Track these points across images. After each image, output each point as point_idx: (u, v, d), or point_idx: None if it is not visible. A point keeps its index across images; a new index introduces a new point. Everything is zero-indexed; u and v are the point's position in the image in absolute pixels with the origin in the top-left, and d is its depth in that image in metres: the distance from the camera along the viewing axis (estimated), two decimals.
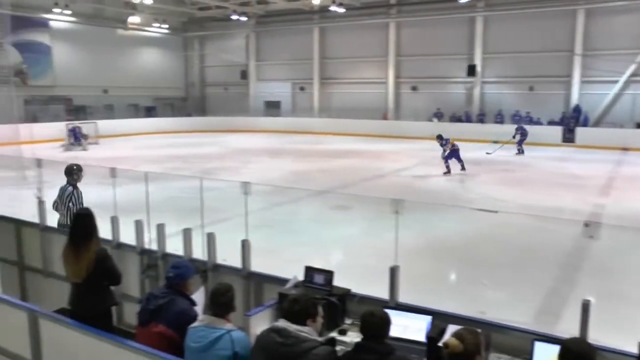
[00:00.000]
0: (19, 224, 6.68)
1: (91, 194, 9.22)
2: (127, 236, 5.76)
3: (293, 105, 37.35)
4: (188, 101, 41.10)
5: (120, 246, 5.81)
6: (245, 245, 4.87)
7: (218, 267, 5.08)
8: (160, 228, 5.39)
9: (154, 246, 5.52)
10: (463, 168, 17.87)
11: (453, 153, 17.88)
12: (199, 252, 5.16)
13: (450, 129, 29.30)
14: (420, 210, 10.61)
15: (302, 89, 36.94)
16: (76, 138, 25.76)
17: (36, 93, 31.45)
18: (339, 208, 12.49)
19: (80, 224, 4.65)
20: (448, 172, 17.60)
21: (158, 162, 19.69)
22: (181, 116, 38.17)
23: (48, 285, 6.36)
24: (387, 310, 3.31)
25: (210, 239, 5.05)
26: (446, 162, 17.84)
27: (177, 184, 13.54)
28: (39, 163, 6.66)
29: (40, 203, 6.48)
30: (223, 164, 19.60)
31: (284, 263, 5.50)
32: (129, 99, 36.20)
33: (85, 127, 26.74)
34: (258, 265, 4.92)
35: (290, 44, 36.74)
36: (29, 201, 7.13)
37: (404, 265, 4.22)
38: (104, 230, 5.23)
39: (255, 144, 27.10)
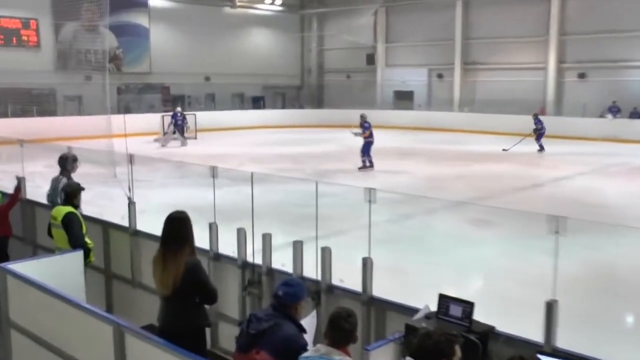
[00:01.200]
0: (106, 226, 7.02)
1: (188, 196, 10.24)
2: (228, 246, 5.83)
3: (428, 96, 37.12)
4: (303, 91, 42.14)
5: (219, 258, 5.93)
6: (367, 264, 4.85)
7: (333, 289, 5.10)
8: (267, 238, 5.45)
9: (257, 259, 5.59)
10: (365, 166, 19.01)
11: (366, 145, 19.19)
12: (311, 270, 5.18)
13: (629, 129, 27.87)
14: (586, 231, 10.06)
15: (439, 76, 36.63)
16: (177, 124, 26.79)
17: (130, 81, 33.65)
18: (481, 223, 12.29)
19: (171, 228, 4.76)
20: (363, 166, 18.95)
21: (265, 162, 20.22)
22: (294, 108, 39.25)
23: (136, 298, 6.61)
24: (541, 357, 3.23)
25: (325, 254, 5.07)
26: (363, 154, 19.10)
27: (286, 188, 14.00)
28: (130, 159, 6.88)
29: (131, 204, 6.78)
30: (341, 165, 19.74)
31: (413, 288, 5.48)
32: (233, 88, 37.69)
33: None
34: (381, 288, 4.89)
35: (426, 22, 36.48)
36: (119, 201, 7.46)
37: (562, 299, 4.07)
38: (201, 239, 5.29)
39: (381, 143, 26.15)
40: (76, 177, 7.34)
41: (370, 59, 39.08)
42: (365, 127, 19.37)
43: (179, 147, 25.86)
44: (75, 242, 6.22)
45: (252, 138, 28.94)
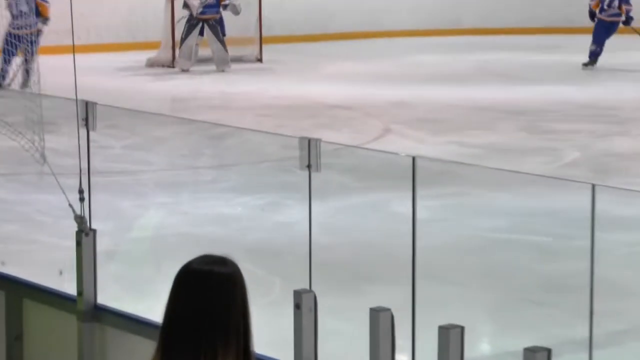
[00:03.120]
0: (17, 294, 6.11)
1: (236, 216, 9.98)
2: (346, 355, 5.56)
3: None
4: None
5: None
6: None
7: None
8: (452, 337, 4.47)
9: None
10: None
11: None
12: None
13: None
14: None
15: None
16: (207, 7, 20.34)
17: None
18: None
19: (191, 305, 3.54)
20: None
21: (450, 128, 16.95)
22: None
23: None
24: None
25: None
26: None
27: (505, 200, 11.64)
28: (85, 110, 5.46)
29: (84, 235, 5.59)
30: None
31: None
32: None
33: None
34: None
35: None
36: (50, 226, 7.15)
37: None
38: (273, 334, 4.79)
39: None
40: None
41: None
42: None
43: (219, 70, 20.95)
44: None
45: (411, 60, 24.44)
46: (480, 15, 29.73)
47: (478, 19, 29.50)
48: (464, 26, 29.00)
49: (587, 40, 24.99)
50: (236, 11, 21.04)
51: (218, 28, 20.71)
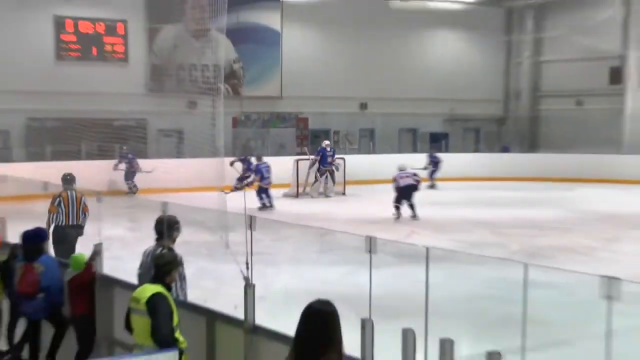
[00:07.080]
0: (212, 319, 7.04)
1: (330, 279, 11.24)
2: (388, 355, 5.77)
3: None
4: (507, 125, 42.11)
5: None
6: None
7: None
8: (446, 347, 5.34)
9: None
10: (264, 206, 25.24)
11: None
12: None
13: None
14: None
15: None
16: (325, 164, 29.52)
17: (252, 109, 34.67)
18: None
19: (311, 327, 4.82)
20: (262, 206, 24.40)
21: (448, 231, 20.14)
22: (493, 151, 39.12)
23: None
24: None
25: None
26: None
27: (479, 273, 13.63)
28: (250, 222, 6.85)
29: (248, 288, 6.75)
30: (565, 240, 19.42)
31: None
32: (401, 121, 38.15)
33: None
34: None
35: None
36: (230, 282, 7.57)
37: None
38: (348, 343, 5.22)
39: (633, 207, 26.37)
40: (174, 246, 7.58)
41: (616, 76, 38.26)
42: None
43: (327, 195, 28.17)
44: (160, 337, 6.24)
45: (429, 195, 28.35)
46: (464, 166, 36.48)
47: (465, 169, 37.71)
48: (457, 175, 37.17)
49: None
50: (337, 168, 29.91)
51: (335, 174, 29.68)
